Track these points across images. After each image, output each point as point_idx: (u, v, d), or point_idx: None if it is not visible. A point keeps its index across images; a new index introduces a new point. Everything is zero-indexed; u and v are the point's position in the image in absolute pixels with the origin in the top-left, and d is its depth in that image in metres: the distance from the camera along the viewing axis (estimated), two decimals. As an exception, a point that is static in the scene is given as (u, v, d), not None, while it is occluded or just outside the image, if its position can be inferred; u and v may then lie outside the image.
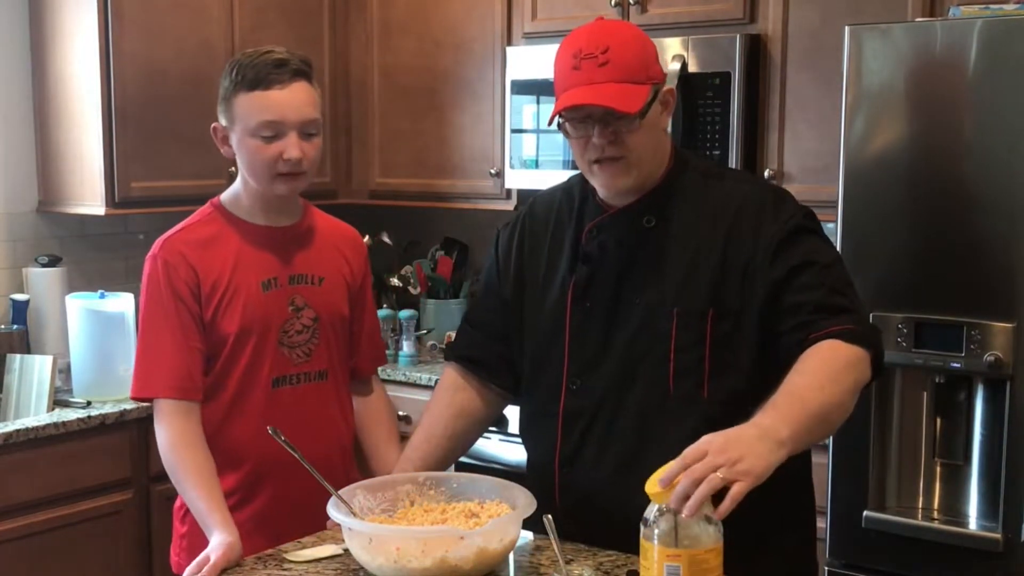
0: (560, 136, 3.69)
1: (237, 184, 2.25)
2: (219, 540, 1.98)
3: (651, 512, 1.61)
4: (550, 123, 1.93)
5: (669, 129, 3.25)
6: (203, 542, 2.12)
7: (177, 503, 2.27)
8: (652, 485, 1.60)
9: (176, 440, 2.13)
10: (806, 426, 1.66)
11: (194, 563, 1.91)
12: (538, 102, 3.75)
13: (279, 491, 2.19)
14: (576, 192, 2.06)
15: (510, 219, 2.19)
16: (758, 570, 1.70)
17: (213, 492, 2.09)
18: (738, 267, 1.89)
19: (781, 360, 1.81)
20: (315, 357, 2.23)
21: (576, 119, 1.89)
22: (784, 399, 1.68)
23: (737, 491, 1.51)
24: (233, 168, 3.92)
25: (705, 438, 1.58)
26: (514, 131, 3.78)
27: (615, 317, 1.94)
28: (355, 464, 2.37)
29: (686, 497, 1.52)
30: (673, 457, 1.59)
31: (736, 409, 1.77)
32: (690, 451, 1.56)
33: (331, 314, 2.25)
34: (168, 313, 2.14)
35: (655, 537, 1.59)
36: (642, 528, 1.62)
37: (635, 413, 1.92)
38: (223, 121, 2.17)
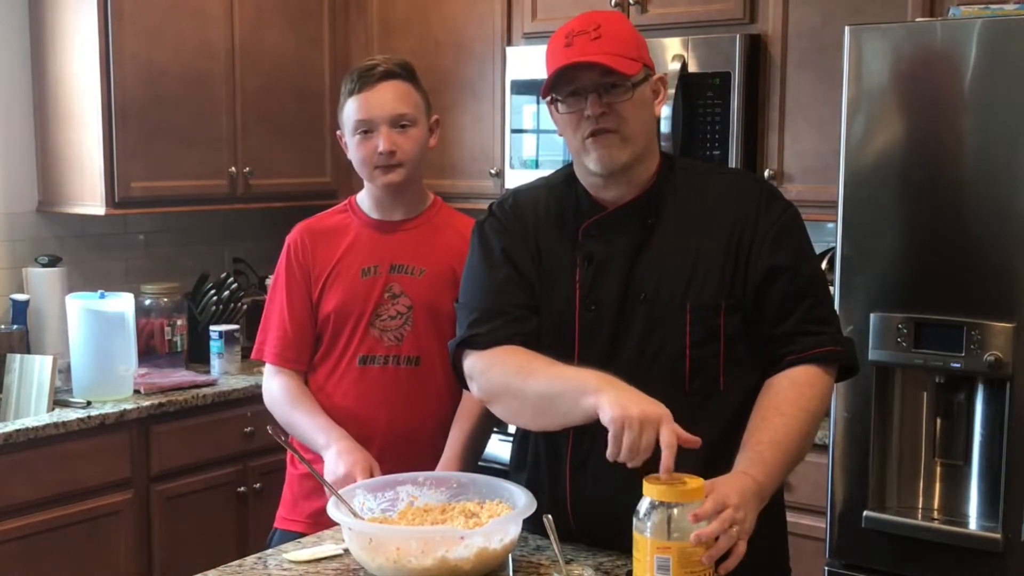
0: (560, 136, 3.72)
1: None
2: (346, 455, 2.24)
3: (643, 505, 1.64)
4: (543, 96, 1.92)
5: (668, 128, 3.29)
6: (297, 497, 2.45)
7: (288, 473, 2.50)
8: (651, 481, 1.64)
9: (282, 390, 2.41)
10: (784, 475, 1.85)
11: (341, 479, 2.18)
12: (538, 102, 3.75)
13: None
14: (563, 190, 2.02)
15: (492, 211, 2.07)
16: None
17: (326, 419, 2.35)
18: (742, 257, 1.91)
19: (764, 357, 1.93)
20: (406, 343, 2.37)
21: (567, 93, 1.90)
22: (770, 451, 1.80)
23: (741, 550, 1.65)
24: (233, 168, 3.97)
25: (723, 492, 1.67)
26: (514, 131, 3.79)
27: (623, 315, 1.93)
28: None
29: (715, 536, 1.63)
30: (687, 460, 1.69)
31: (749, 403, 1.87)
32: (717, 502, 1.65)
33: (427, 304, 2.37)
34: (284, 290, 2.43)
35: (647, 530, 1.63)
36: (634, 521, 1.65)
37: None
38: (340, 128, 2.42)
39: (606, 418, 1.71)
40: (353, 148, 2.37)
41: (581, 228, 1.97)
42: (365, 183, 2.43)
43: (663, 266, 1.92)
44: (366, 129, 2.33)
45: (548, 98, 1.93)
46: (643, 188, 1.96)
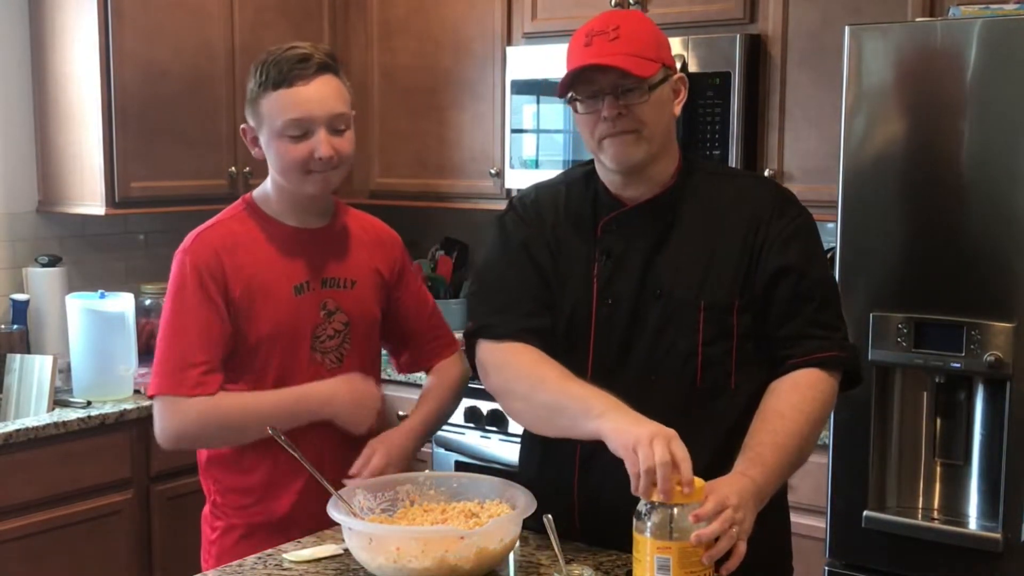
0: (560, 136, 3.74)
1: (267, 184, 2.19)
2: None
3: (643, 505, 1.64)
4: (561, 95, 1.92)
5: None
6: (233, 547, 2.14)
7: (206, 510, 2.24)
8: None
9: (229, 396, 2.10)
10: (784, 478, 1.86)
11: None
12: (538, 102, 3.75)
13: (314, 490, 2.07)
14: (582, 187, 2.04)
15: (513, 204, 2.09)
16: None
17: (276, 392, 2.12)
18: (754, 257, 1.93)
19: (767, 360, 1.93)
20: (347, 362, 2.19)
21: (586, 94, 1.90)
22: (771, 452, 1.80)
23: (742, 550, 1.65)
24: (233, 168, 3.96)
25: (723, 492, 1.67)
26: (514, 131, 3.79)
27: (638, 311, 1.94)
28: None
29: (715, 536, 1.63)
30: (698, 455, 1.69)
31: (758, 404, 1.88)
32: (717, 503, 1.65)
33: (363, 318, 2.21)
34: (197, 311, 2.08)
35: (647, 530, 1.63)
36: (634, 521, 1.65)
37: (661, 408, 1.88)
38: (251, 122, 2.13)
39: (613, 447, 1.72)
40: (280, 150, 2.07)
41: (600, 224, 1.99)
42: (275, 186, 2.16)
43: (679, 263, 1.94)
44: (301, 132, 2.05)
45: (568, 96, 1.93)
46: (662, 187, 1.98)
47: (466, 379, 2.35)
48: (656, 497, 1.63)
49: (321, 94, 2.06)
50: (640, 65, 1.86)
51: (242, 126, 2.17)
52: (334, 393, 2.14)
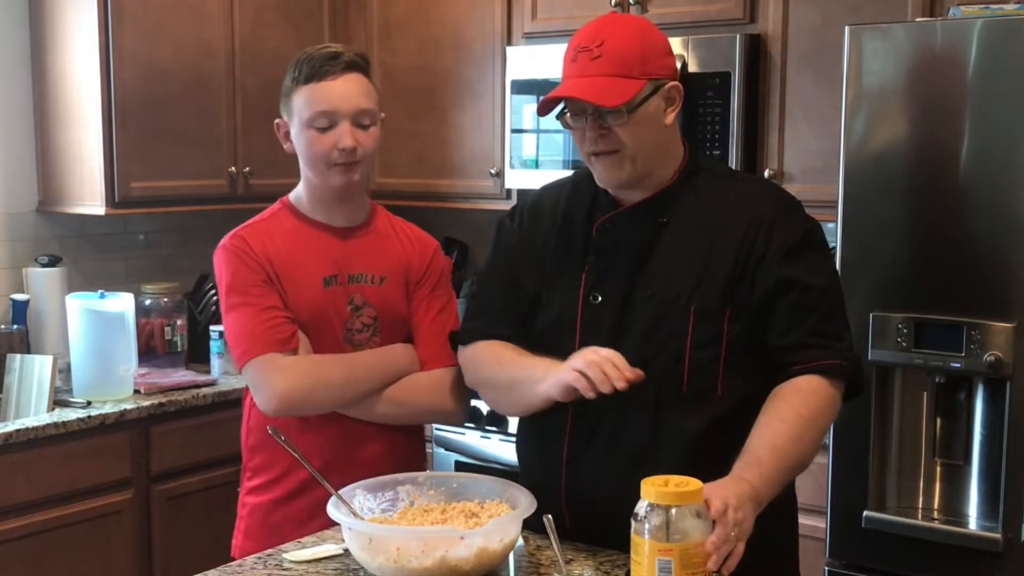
0: (560, 136, 3.74)
1: (300, 183, 2.29)
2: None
3: (642, 507, 1.63)
4: (542, 114, 1.94)
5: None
6: (261, 527, 2.24)
7: (243, 491, 2.32)
8: (649, 483, 1.63)
9: (309, 359, 2.17)
10: (783, 481, 1.83)
11: None
12: (538, 102, 3.75)
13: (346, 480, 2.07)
14: (585, 186, 2.04)
15: (515, 208, 2.14)
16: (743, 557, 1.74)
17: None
18: (751, 265, 1.91)
19: (770, 366, 1.91)
20: None
21: (572, 110, 1.92)
22: (768, 455, 1.79)
23: (741, 550, 1.65)
24: (232, 168, 3.96)
25: (723, 494, 1.67)
26: (514, 131, 3.79)
27: (627, 312, 1.94)
28: (422, 460, 2.36)
29: (721, 541, 1.63)
30: (684, 455, 1.75)
31: (747, 408, 1.87)
32: (718, 505, 1.65)
33: (391, 314, 2.25)
34: (249, 292, 2.16)
35: (646, 532, 1.62)
36: (633, 523, 1.64)
37: (647, 409, 1.91)
38: (284, 117, 2.24)
39: (556, 391, 1.85)
40: (307, 141, 2.18)
41: (596, 224, 2.00)
42: (306, 183, 2.26)
43: (672, 266, 1.93)
44: (327, 124, 2.16)
45: (557, 112, 1.94)
46: (660, 188, 1.97)
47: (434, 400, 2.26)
48: (605, 388, 1.72)
49: (347, 89, 2.17)
50: (616, 89, 1.85)
51: (276, 121, 2.26)
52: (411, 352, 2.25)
